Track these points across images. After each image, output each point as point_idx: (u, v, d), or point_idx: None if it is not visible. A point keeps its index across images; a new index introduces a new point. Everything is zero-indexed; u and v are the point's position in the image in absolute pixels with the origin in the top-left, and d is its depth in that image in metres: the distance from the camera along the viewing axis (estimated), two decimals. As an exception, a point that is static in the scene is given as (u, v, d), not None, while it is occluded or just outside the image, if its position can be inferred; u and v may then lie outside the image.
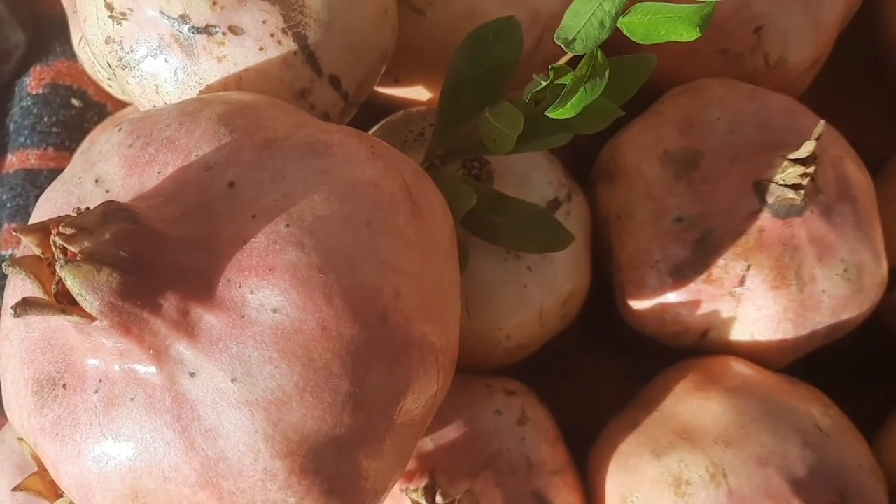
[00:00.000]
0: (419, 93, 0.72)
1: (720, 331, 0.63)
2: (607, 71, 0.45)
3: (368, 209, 0.43)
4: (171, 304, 0.38)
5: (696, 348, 0.66)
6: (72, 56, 0.78)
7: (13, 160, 0.77)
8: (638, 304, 0.64)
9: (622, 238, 0.65)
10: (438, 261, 0.47)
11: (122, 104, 0.77)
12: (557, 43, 0.43)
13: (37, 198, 0.74)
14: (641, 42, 0.46)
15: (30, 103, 0.78)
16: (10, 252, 0.74)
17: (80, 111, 0.78)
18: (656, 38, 0.45)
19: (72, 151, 0.77)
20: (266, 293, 0.39)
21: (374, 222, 0.42)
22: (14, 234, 0.72)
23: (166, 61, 0.52)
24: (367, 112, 0.66)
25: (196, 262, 0.40)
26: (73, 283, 0.36)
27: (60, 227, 0.37)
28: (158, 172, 0.43)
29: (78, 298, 0.36)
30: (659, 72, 0.71)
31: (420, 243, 0.45)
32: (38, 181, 0.76)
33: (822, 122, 0.59)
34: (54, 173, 0.76)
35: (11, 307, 0.36)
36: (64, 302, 0.37)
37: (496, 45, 0.60)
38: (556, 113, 0.47)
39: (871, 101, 0.84)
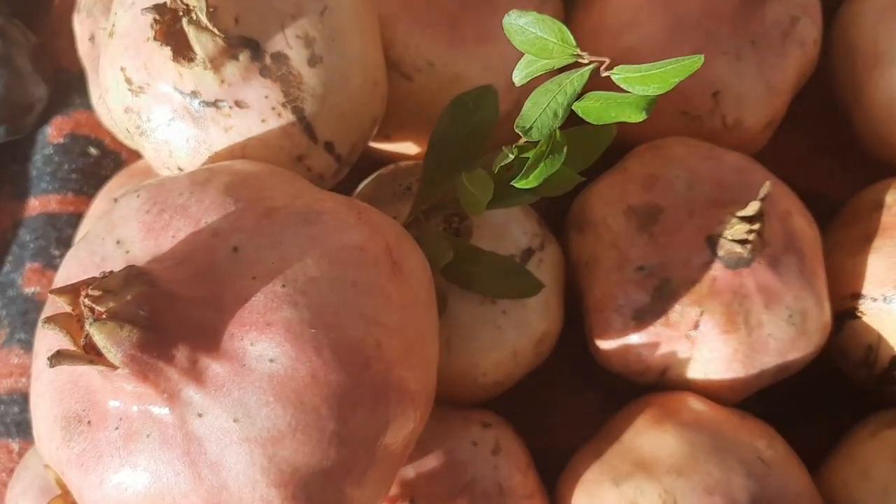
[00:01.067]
0: (408, 147, 0.79)
1: (678, 370, 0.69)
2: (565, 147, 0.52)
3: (354, 270, 0.49)
4: (183, 355, 0.45)
5: (657, 384, 0.72)
6: (89, 108, 0.85)
7: (35, 204, 0.84)
8: (604, 344, 0.71)
9: (590, 283, 0.71)
10: (417, 312, 0.53)
11: (135, 153, 0.83)
12: (516, 130, 0.49)
13: (57, 239, 0.81)
14: (594, 122, 0.52)
15: (51, 152, 0.85)
16: (32, 289, 0.80)
17: (97, 159, 0.84)
18: (607, 120, 0.52)
19: (90, 196, 0.83)
20: (264, 345, 0.46)
21: (358, 282, 0.49)
22: (41, 280, 0.79)
23: (179, 130, 0.59)
24: (362, 163, 0.72)
25: (204, 317, 0.46)
26: (99, 338, 0.43)
27: (89, 290, 0.44)
28: (172, 237, 0.50)
29: (104, 351, 0.43)
30: (626, 129, 0.78)
31: (400, 298, 0.52)
32: (58, 224, 0.82)
33: (768, 182, 0.65)
34: (73, 217, 0.83)
35: (48, 358, 0.42)
36: (91, 353, 0.44)
37: (476, 111, 0.67)
38: (521, 183, 0.53)
39: (826, 151, 0.91)
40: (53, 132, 0.86)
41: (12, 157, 0.88)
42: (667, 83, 0.47)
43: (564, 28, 0.48)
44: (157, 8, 0.55)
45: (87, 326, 0.43)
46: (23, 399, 0.78)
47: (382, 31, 0.71)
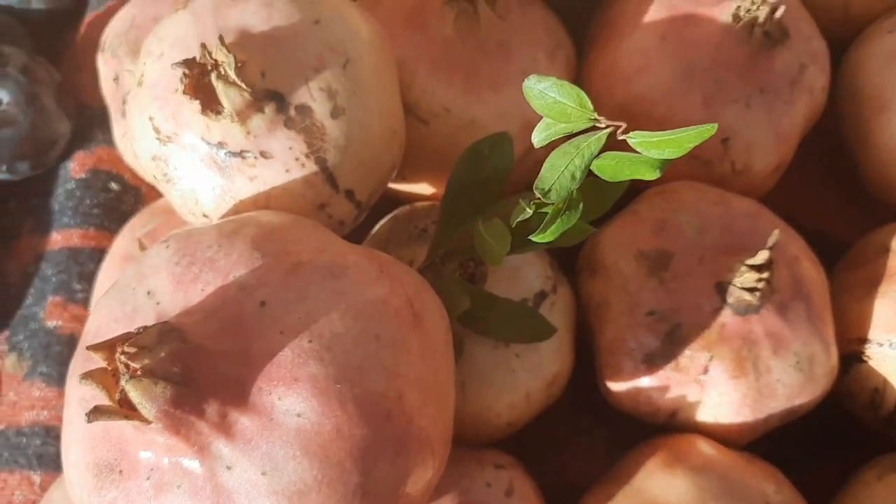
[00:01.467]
0: (423, 188, 0.81)
1: (687, 413, 0.71)
2: (581, 204, 0.54)
3: (377, 325, 0.51)
4: (213, 409, 0.47)
5: (667, 426, 0.73)
6: (111, 143, 0.87)
7: (57, 238, 0.85)
8: (615, 386, 0.72)
9: (601, 325, 0.73)
10: (436, 360, 0.55)
11: (155, 189, 0.85)
12: (535, 192, 0.51)
13: (79, 274, 0.83)
14: (609, 180, 0.54)
15: (73, 186, 0.87)
16: (54, 323, 0.82)
17: (118, 194, 0.86)
18: (622, 177, 0.54)
19: (111, 231, 0.85)
20: (292, 400, 0.47)
21: (381, 336, 0.51)
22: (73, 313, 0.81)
23: (205, 179, 0.61)
24: (378, 203, 0.74)
25: (233, 372, 0.48)
26: (135, 395, 0.44)
27: (125, 346, 0.45)
28: (201, 290, 0.51)
29: (138, 407, 0.45)
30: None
31: (420, 349, 0.53)
32: (80, 258, 0.84)
33: (777, 231, 0.67)
34: (95, 252, 0.84)
35: (86, 414, 0.44)
36: (126, 408, 0.45)
37: (491, 157, 0.68)
38: (538, 238, 0.55)
39: (833, 191, 0.92)
40: (76, 167, 0.88)
41: (34, 191, 0.90)
42: (682, 148, 0.48)
43: (582, 93, 0.50)
44: (187, 63, 0.57)
45: (122, 383, 0.45)
46: (44, 432, 0.79)
47: (400, 75, 0.72)
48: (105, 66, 0.82)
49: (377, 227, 0.78)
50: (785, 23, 0.74)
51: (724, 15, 0.74)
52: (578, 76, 0.83)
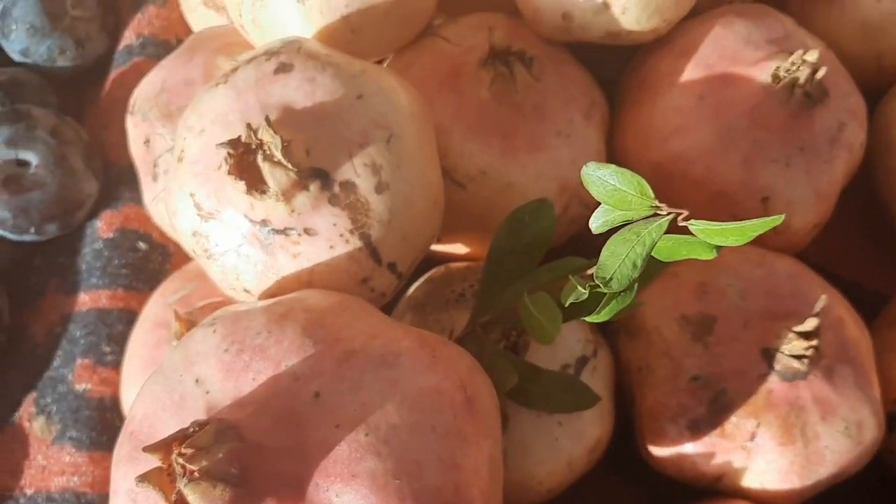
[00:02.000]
0: (458, 248, 0.80)
1: (733, 479, 0.69)
2: (636, 285, 0.53)
3: (433, 415, 0.50)
4: (271, 509, 0.45)
5: (711, 490, 0.72)
6: (138, 202, 0.86)
7: (85, 299, 0.84)
8: (657, 451, 0.71)
9: (643, 390, 0.72)
10: (489, 445, 0.54)
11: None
12: (596, 281, 0.50)
13: (108, 336, 0.82)
14: (665, 260, 0.53)
15: (101, 246, 0.86)
16: (83, 386, 0.81)
17: (146, 253, 0.85)
18: (678, 257, 0.53)
19: (139, 291, 0.84)
20: (350, 497, 0.46)
21: (437, 427, 0.50)
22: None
23: (247, 256, 0.60)
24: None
25: (290, 468, 0.47)
26: (193, 498, 0.43)
27: (182, 448, 0.44)
28: (252, 379, 0.50)
29: (197, 510, 0.44)
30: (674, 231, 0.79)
31: (474, 434, 0.52)
32: (108, 320, 0.83)
33: (824, 296, 0.66)
34: (123, 313, 0.83)
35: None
36: (183, 510, 0.44)
37: (531, 224, 0.68)
38: (593, 319, 0.54)
39: (869, 242, 0.92)
40: (103, 227, 0.87)
41: (59, 250, 0.89)
42: (745, 237, 0.48)
43: (643, 181, 0.49)
44: (232, 143, 0.56)
45: (180, 485, 0.44)
46: (75, 498, 0.78)
47: (436, 139, 0.72)
48: (135, 129, 0.81)
49: (412, 288, 0.77)
50: (825, 82, 0.73)
51: (763, 75, 0.74)
52: (611, 132, 0.82)
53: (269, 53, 0.63)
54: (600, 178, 0.49)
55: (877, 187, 0.88)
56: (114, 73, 0.94)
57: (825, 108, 0.75)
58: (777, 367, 0.67)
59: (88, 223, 0.88)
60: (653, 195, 0.49)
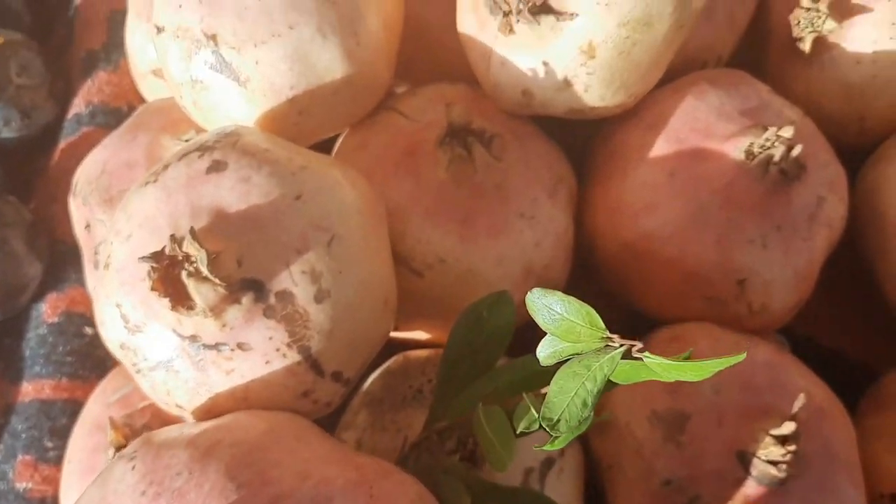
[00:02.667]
0: (417, 334, 0.76)
1: (711, 588, 0.65)
2: (591, 416, 0.48)
3: (367, 568, 0.45)
4: None
5: None
6: (84, 283, 0.82)
7: (28, 389, 0.80)
8: (631, 556, 0.66)
9: (614, 490, 0.67)
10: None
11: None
12: (542, 424, 0.46)
13: (50, 430, 0.77)
14: (623, 383, 0.49)
15: (45, 332, 0.81)
16: (24, 485, 0.77)
17: (92, 339, 0.81)
18: (637, 380, 0.49)
19: (84, 380, 0.80)
20: None
21: (373, 581, 0.45)
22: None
23: (178, 372, 0.55)
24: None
25: None
26: None
27: None
28: (170, 529, 0.46)
29: None
30: (646, 309, 0.75)
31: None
32: (51, 413, 0.79)
33: (802, 395, 0.62)
34: (67, 404, 0.79)
35: None
36: None
37: (490, 319, 0.63)
38: (546, 447, 0.50)
39: (853, 310, 0.87)
40: (48, 310, 0.83)
41: (5, 331, 0.85)
42: (704, 373, 0.43)
43: (592, 312, 0.44)
44: (155, 256, 0.52)
45: None
46: None
47: (391, 224, 0.68)
48: (77, 211, 0.77)
49: (369, 381, 0.72)
50: (802, 156, 0.69)
51: (736, 151, 0.69)
52: (579, 207, 0.78)
53: (203, 149, 0.59)
54: (546, 306, 0.45)
55: (862, 254, 0.83)
56: (63, 144, 0.90)
57: (802, 184, 0.71)
58: (754, 472, 0.63)
59: (34, 305, 0.84)
60: (603, 325, 0.44)
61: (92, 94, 0.90)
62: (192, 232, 0.51)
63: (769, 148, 0.68)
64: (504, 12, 0.66)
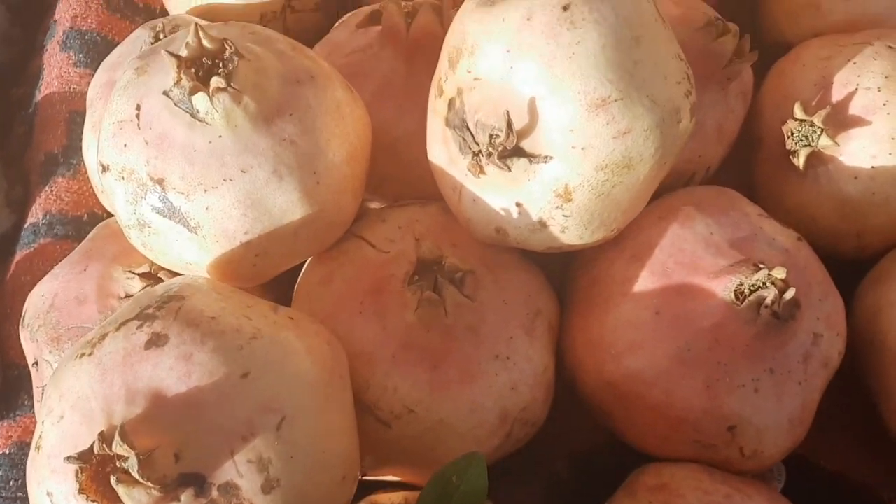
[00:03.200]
0: (389, 477, 0.71)
1: None
2: None
3: None
4: None
5: None
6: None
7: (-22, 528, 0.75)
8: None
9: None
10: None
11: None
12: None
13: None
14: None
15: (-4, 465, 0.77)
16: None
17: (47, 472, 0.76)
18: None
19: (37, 520, 0.75)
20: None
21: None
22: None
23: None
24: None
25: None
26: None
27: None
28: None
29: None
30: (632, 444, 0.70)
31: None
32: (2, 556, 0.74)
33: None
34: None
35: None
36: None
37: (461, 486, 0.59)
38: None
39: (855, 433, 0.83)
40: (0, 441, 0.78)
41: (-44, 461, 0.80)
42: None
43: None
44: (83, 456, 0.47)
45: None
46: None
47: (355, 370, 0.63)
48: (26, 344, 0.72)
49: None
50: (795, 296, 0.64)
51: (724, 291, 0.65)
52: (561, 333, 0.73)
53: (143, 318, 0.54)
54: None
55: (862, 378, 0.79)
56: (19, 256, 0.85)
57: (797, 322, 0.66)
58: None
59: (-16, 434, 0.79)
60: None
61: (50, 202, 0.86)
62: (122, 431, 0.47)
63: (760, 289, 0.63)
64: (473, 152, 0.61)
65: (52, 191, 0.87)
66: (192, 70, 0.59)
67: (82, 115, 0.87)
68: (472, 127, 0.61)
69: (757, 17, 0.94)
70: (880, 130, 0.74)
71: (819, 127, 0.74)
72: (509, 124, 0.58)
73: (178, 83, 0.59)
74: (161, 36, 0.76)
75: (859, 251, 0.79)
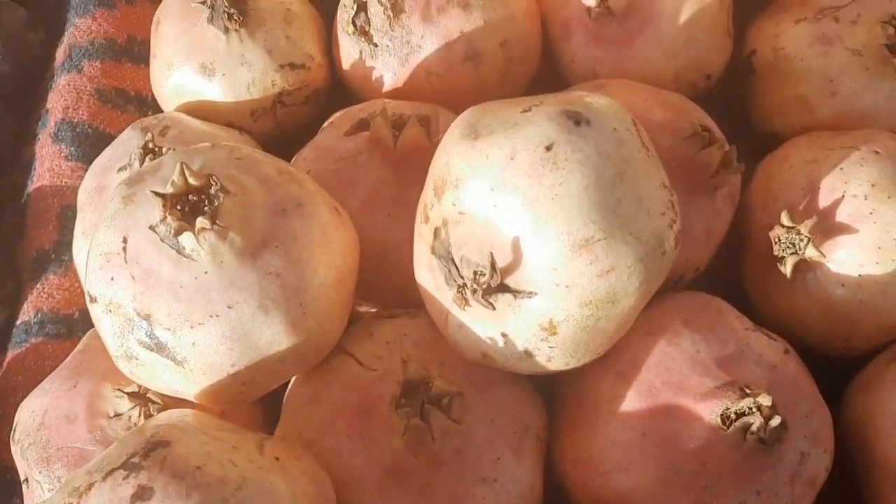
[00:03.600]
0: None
1: None
2: None
3: None
4: None
5: None
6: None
7: None
8: None
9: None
10: None
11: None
12: None
13: None
14: None
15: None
16: None
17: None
18: None
19: None
20: None
21: None
22: None
23: None
24: None
25: None
26: None
27: None
28: None
29: None
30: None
31: None
32: None
33: None
34: None
35: None
36: None
37: None
38: None
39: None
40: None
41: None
42: None
43: None
44: None
45: None
46: None
47: (341, 495, 0.64)
48: (17, 459, 0.73)
49: None
50: (782, 420, 0.64)
51: (711, 414, 0.65)
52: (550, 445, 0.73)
53: (129, 468, 0.54)
54: None
55: (850, 476, 0.79)
56: (10, 355, 0.85)
57: (783, 445, 0.66)
58: None
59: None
60: None
61: (42, 300, 0.86)
62: None
63: (746, 415, 0.64)
64: (458, 286, 0.62)
65: (43, 288, 0.87)
66: (178, 208, 0.59)
67: (73, 209, 0.88)
68: (457, 261, 0.62)
69: (748, 105, 0.94)
70: (867, 239, 0.74)
71: (806, 236, 0.74)
72: (493, 265, 0.59)
73: (163, 220, 0.59)
74: (150, 143, 0.76)
75: (848, 352, 0.79)
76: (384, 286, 0.77)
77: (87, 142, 0.92)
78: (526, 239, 0.58)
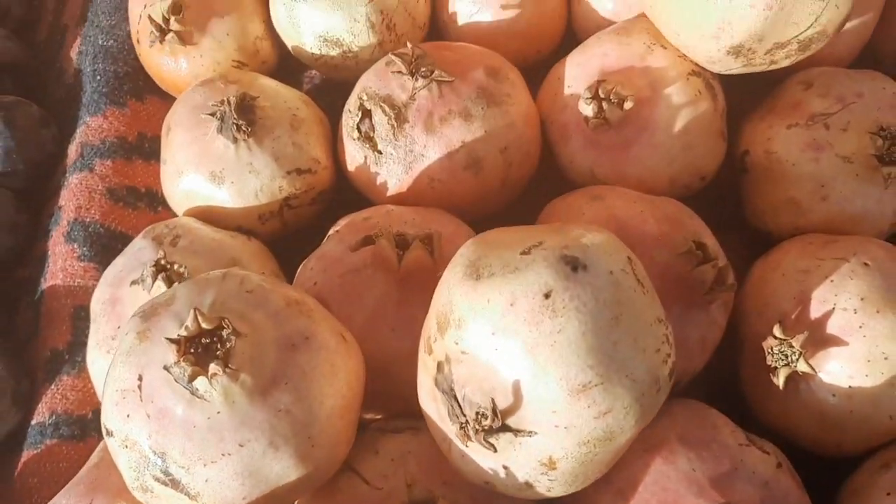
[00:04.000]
0: None
1: None
2: None
3: None
4: None
5: None
6: None
7: None
8: None
9: None
10: None
11: None
12: None
13: None
14: None
15: None
16: None
17: None
18: None
19: None
20: None
21: None
22: None
23: None
24: None
25: None
26: None
27: None
28: None
29: None
30: None
31: None
32: None
33: None
34: None
35: None
36: None
37: None
38: None
39: None
40: None
41: None
42: None
43: None
44: None
45: None
46: None
47: None
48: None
49: None
50: (773, 542, 0.67)
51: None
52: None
53: None
54: None
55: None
56: (26, 456, 0.88)
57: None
58: None
59: None
60: None
61: (56, 401, 0.89)
62: None
63: (739, 536, 0.66)
64: (461, 423, 0.64)
65: (57, 389, 0.89)
66: (191, 351, 0.62)
67: (86, 309, 0.91)
68: (459, 399, 0.64)
69: (741, 201, 0.96)
70: (857, 353, 0.76)
71: (798, 350, 0.76)
72: (494, 410, 0.61)
73: (177, 363, 0.61)
74: (163, 261, 0.78)
75: (840, 454, 0.82)
76: (389, 396, 0.79)
77: (100, 241, 0.94)
78: (526, 382, 0.61)
